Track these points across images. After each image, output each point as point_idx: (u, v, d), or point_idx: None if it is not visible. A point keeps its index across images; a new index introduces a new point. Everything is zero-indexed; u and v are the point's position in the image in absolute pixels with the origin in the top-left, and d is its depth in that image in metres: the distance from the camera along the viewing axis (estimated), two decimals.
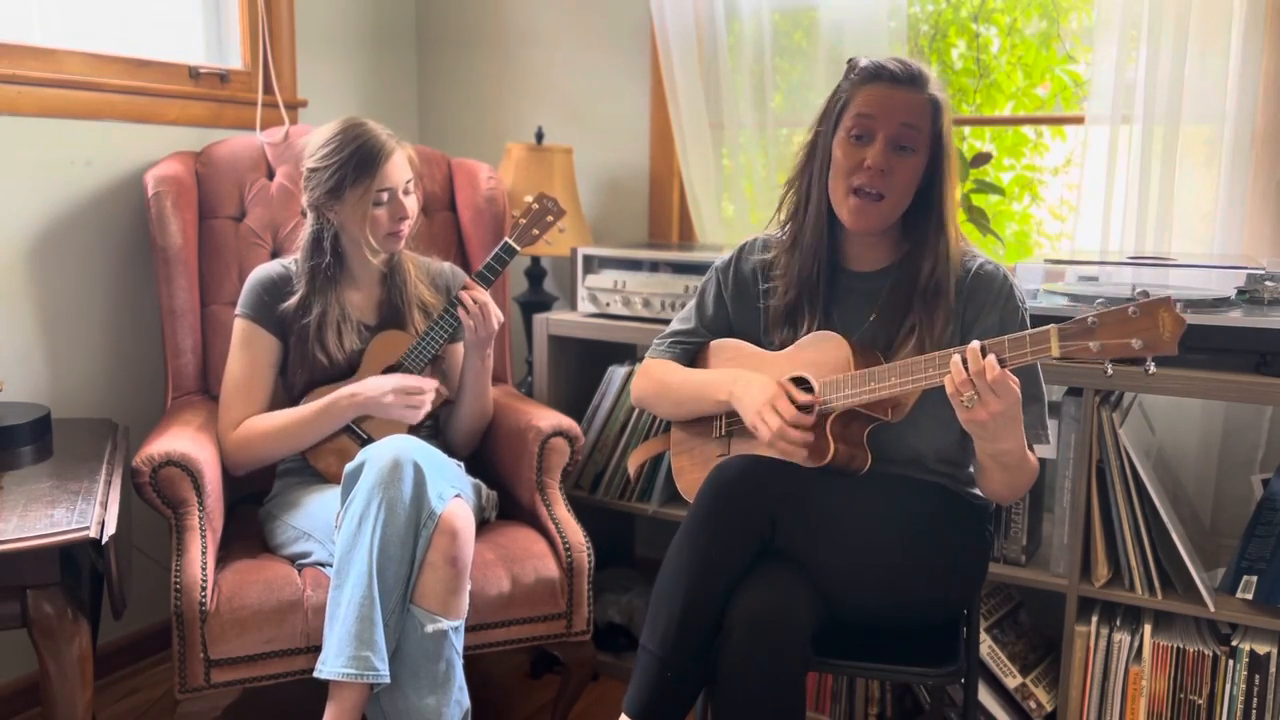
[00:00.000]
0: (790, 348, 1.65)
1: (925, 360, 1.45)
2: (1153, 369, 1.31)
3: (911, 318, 1.59)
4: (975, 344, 1.39)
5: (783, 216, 1.70)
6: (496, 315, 1.99)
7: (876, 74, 1.56)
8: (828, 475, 1.56)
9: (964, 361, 1.38)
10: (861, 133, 1.55)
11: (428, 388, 1.96)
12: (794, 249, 1.67)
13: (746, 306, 1.76)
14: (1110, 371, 1.35)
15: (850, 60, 1.61)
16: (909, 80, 1.55)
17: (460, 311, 1.98)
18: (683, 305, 1.86)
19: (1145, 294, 1.31)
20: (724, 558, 1.49)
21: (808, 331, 1.64)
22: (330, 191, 1.94)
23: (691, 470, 1.78)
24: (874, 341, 1.62)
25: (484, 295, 1.99)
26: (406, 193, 1.99)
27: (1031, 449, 1.60)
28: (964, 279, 1.61)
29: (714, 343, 1.79)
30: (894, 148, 1.54)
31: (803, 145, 1.66)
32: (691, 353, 1.82)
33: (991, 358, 1.37)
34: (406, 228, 2.00)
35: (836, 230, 1.65)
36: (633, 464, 2.00)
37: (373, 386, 1.95)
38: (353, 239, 2.00)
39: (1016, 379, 1.39)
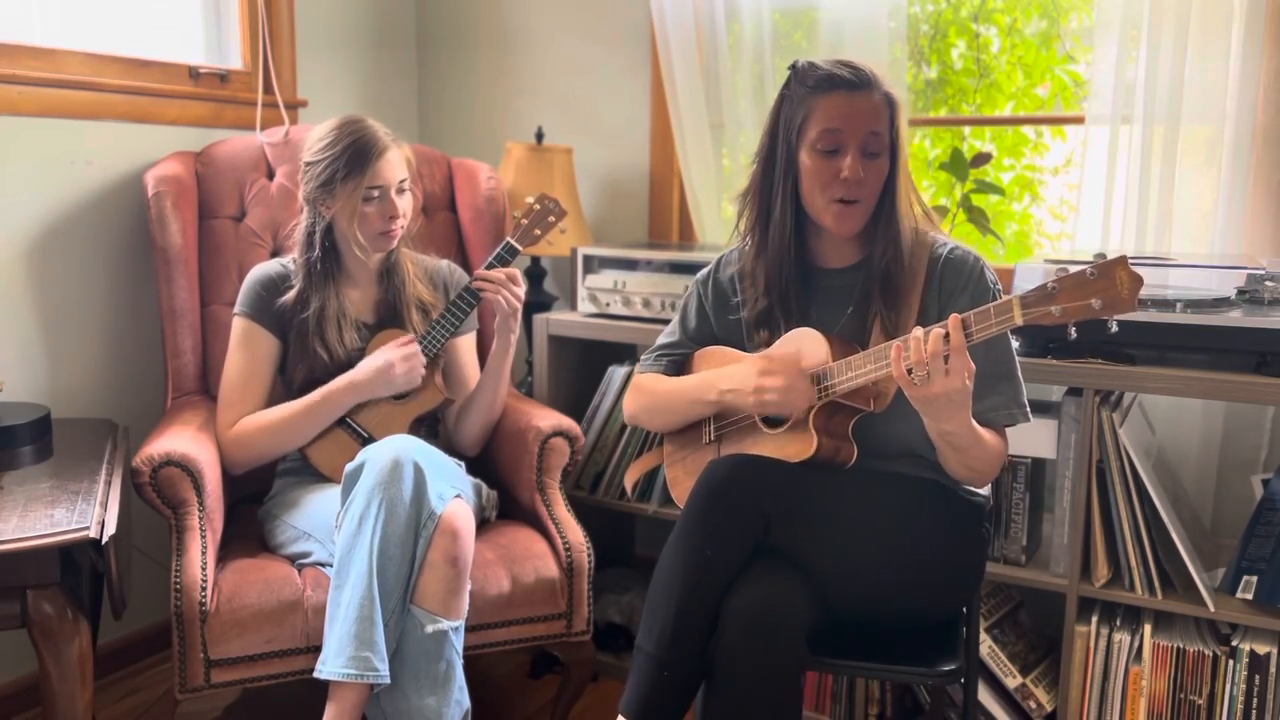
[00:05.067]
0: (771, 346, 1.66)
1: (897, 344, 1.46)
2: (1115, 328, 1.34)
3: (874, 310, 1.61)
4: (945, 323, 1.39)
5: (743, 227, 1.72)
6: (519, 282, 2.01)
7: (832, 83, 1.56)
8: (820, 472, 1.57)
9: (925, 339, 1.39)
10: (832, 146, 1.56)
11: (412, 346, 1.97)
12: (759, 257, 1.68)
13: (727, 315, 1.78)
14: (1074, 335, 1.36)
15: (792, 65, 1.62)
16: (864, 84, 1.56)
17: (485, 285, 1.98)
18: (679, 307, 1.87)
19: (1102, 256, 1.32)
20: (718, 557, 1.50)
21: (768, 336, 1.67)
22: (323, 185, 1.95)
23: (685, 480, 1.79)
24: (851, 335, 1.63)
25: (501, 272, 1.99)
26: (400, 191, 1.99)
27: (1003, 434, 1.61)
28: (935, 265, 1.62)
29: (699, 351, 1.82)
30: (864, 155, 1.56)
31: (756, 155, 1.67)
32: (679, 364, 1.84)
33: (956, 325, 1.38)
34: (398, 228, 2.00)
35: (807, 232, 1.67)
36: (629, 480, 2.01)
37: (365, 368, 1.95)
38: (345, 236, 2.00)
39: (972, 366, 1.41)
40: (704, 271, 1.82)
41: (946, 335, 1.38)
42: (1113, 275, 1.31)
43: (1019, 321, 1.36)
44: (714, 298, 1.79)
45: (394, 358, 1.95)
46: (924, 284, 1.61)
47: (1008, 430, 1.63)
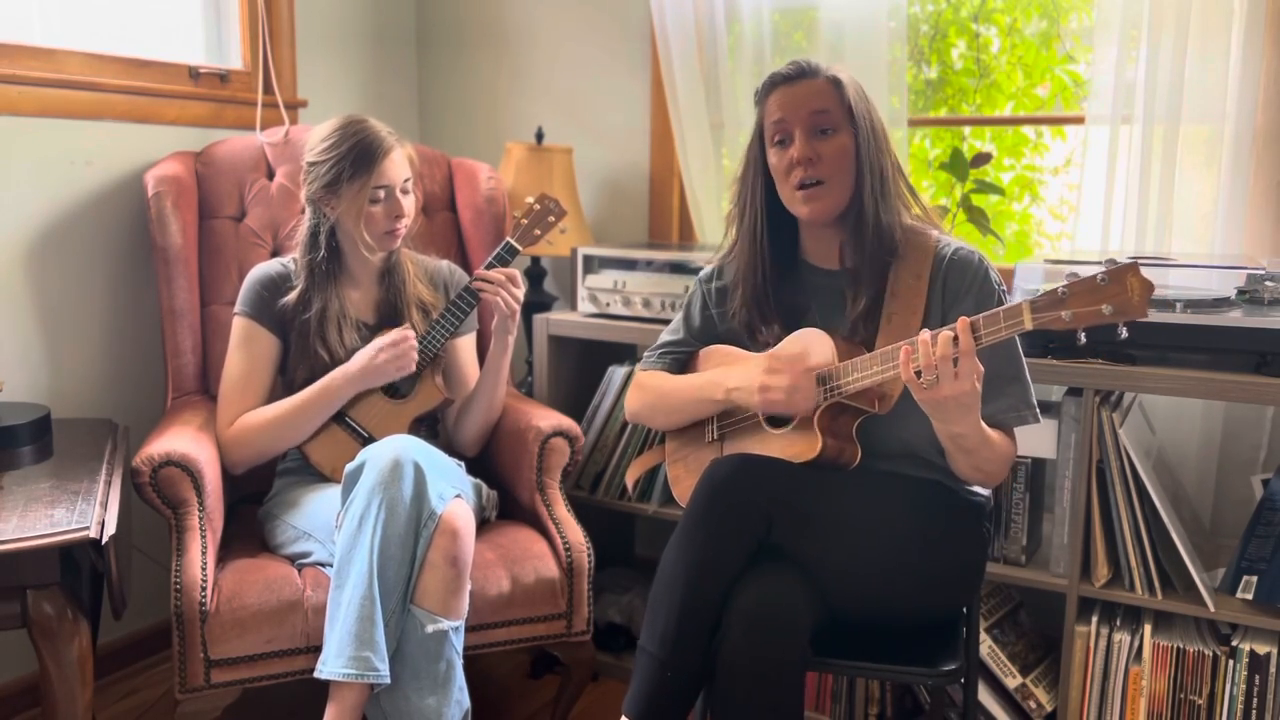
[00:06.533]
0: (776, 346, 1.66)
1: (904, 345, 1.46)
2: (1124, 334, 1.34)
3: (883, 311, 1.61)
4: (952, 326, 1.39)
5: (728, 242, 1.76)
6: (519, 283, 2.01)
7: (773, 82, 1.65)
8: (821, 472, 1.57)
9: (934, 341, 1.39)
10: (781, 136, 1.62)
11: (408, 335, 1.97)
12: (739, 266, 1.72)
13: (729, 315, 1.78)
14: (1083, 340, 1.35)
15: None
16: (800, 75, 1.62)
17: (485, 286, 1.99)
18: (683, 305, 1.87)
19: (1113, 262, 1.31)
20: (720, 557, 1.49)
21: (775, 334, 1.67)
22: (328, 186, 1.95)
23: (687, 478, 1.79)
24: (856, 337, 1.63)
25: (500, 273, 2.00)
26: (404, 191, 1.99)
27: (1012, 434, 1.61)
28: (939, 265, 1.62)
29: (703, 350, 1.82)
30: (813, 135, 1.59)
31: (739, 163, 1.73)
32: (682, 361, 1.84)
33: (966, 329, 1.38)
34: (403, 227, 2.00)
35: (799, 232, 1.70)
36: (630, 478, 2.01)
37: (360, 356, 1.95)
38: (349, 235, 2.00)
39: (980, 369, 1.41)
40: (708, 269, 1.83)
41: (955, 338, 1.38)
42: (1124, 281, 1.29)
43: (1029, 326, 1.36)
44: (717, 296, 1.80)
45: (382, 343, 1.95)
46: (927, 284, 1.61)
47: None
